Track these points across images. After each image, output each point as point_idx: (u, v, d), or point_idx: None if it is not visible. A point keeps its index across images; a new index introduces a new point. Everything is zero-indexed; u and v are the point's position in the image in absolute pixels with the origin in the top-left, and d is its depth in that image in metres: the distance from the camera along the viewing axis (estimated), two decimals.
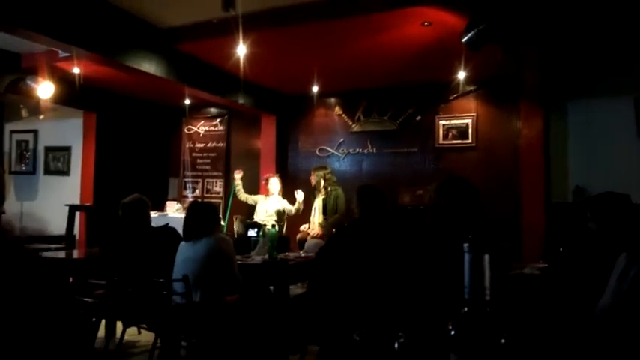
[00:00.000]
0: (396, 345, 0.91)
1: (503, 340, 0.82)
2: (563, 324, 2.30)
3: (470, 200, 2.11)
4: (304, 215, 6.48)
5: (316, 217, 6.16)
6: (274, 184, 6.55)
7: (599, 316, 2.10)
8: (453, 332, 0.84)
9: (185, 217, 3.59)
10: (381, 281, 2.14)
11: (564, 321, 2.42)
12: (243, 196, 6.69)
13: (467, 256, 0.84)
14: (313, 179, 6.24)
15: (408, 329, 0.95)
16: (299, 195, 6.38)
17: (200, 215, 3.52)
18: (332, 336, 2.35)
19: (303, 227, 6.25)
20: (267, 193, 6.60)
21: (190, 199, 8.25)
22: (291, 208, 6.48)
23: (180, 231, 3.71)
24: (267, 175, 6.82)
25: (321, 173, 6.20)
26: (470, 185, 2.20)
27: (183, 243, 3.51)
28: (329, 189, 6.15)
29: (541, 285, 3.47)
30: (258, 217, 6.44)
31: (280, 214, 6.49)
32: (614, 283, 2.11)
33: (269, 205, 6.49)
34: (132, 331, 4.04)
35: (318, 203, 6.20)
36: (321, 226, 6.00)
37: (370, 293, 2.21)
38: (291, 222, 6.73)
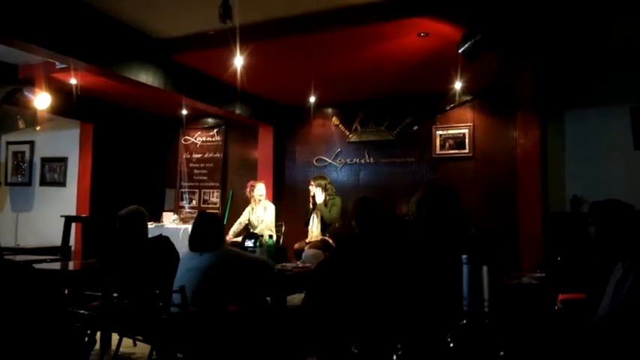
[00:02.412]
0: (395, 358, 0.90)
1: (502, 353, 0.81)
2: (562, 334, 2.28)
3: (452, 205, 2.10)
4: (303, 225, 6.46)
5: (314, 226, 6.15)
6: (261, 189, 6.54)
7: (598, 326, 2.09)
8: (452, 344, 0.83)
9: (193, 227, 3.54)
10: (380, 294, 2.12)
11: (563, 331, 2.41)
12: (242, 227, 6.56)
13: (465, 268, 0.84)
14: (313, 188, 6.24)
15: (407, 342, 0.94)
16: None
17: (210, 226, 3.49)
18: (331, 348, 2.33)
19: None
20: (254, 201, 6.56)
21: (187, 210, 8.24)
22: (270, 221, 6.54)
23: (174, 241, 3.68)
24: (252, 181, 6.75)
25: (322, 182, 6.21)
26: (449, 191, 2.19)
27: (188, 252, 3.47)
28: (327, 198, 6.14)
29: (539, 295, 3.45)
30: (253, 228, 6.42)
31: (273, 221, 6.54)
32: (610, 293, 2.10)
33: (259, 213, 6.49)
34: (127, 343, 4.01)
35: (316, 212, 6.19)
36: (325, 232, 6.00)
37: (369, 306, 2.19)
38: (288, 232, 6.72)
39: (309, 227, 6.21)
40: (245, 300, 3.42)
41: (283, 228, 7.12)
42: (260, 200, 6.53)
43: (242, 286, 3.39)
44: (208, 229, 3.45)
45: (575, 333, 2.28)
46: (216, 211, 7.99)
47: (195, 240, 3.43)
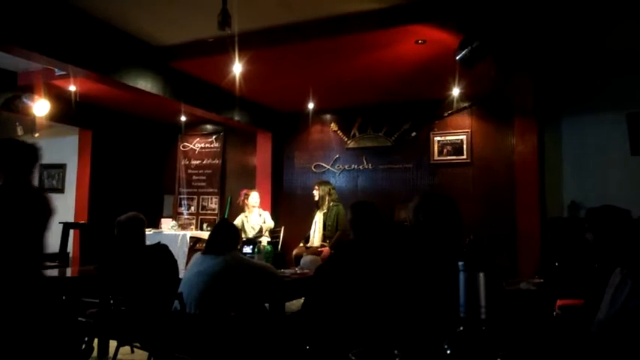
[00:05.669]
0: None
1: (499, 359, 0.81)
2: (560, 340, 2.29)
3: (448, 212, 2.11)
4: (301, 231, 6.48)
5: (316, 231, 6.17)
6: (255, 197, 6.68)
7: (596, 332, 2.09)
8: (448, 351, 0.84)
9: (212, 231, 3.63)
10: (377, 300, 2.13)
11: (561, 337, 2.41)
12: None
13: (462, 275, 0.84)
14: (318, 193, 6.27)
15: (404, 348, 0.95)
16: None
17: (226, 232, 3.54)
18: (329, 355, 2.33)
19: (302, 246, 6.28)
20: (248, 209, 6.66)
21: (185, 216, 8.24)
22: (270, 224, 6.68)
23: (172, 249, 3.71)
24: (246, 190, 6.89)
25: (326, 188, 6.26)
26: (446, 198, 2.20)
27: (199, 255, 3.51)
28: (330, 204, 6.18)
29: (537, 300, 3.46)
30: (248, 236, 6.48)
31: (262, 229, 6.63)
32: (608, 298, 2.11)
33: (253, 221, 6.57)
34: (125, 350, 4.00)
35: (318, 217, 6.21)
36: (326, 238, 6.04)
37: (366, 312, 2.19)
38: (287, 238, 6.71)
39: (311, 232, 6.24)
40: (246, 306, 3.42)
41: (282, 234, 7.12)
42: (254, 207, 6.63)
43: (247, 291, 3.41)
44: (225, 234, 3.52)
45: (574, 339, 2.29)
46: (215, 217, 8.00)
47: (214, 243, 3.49)
